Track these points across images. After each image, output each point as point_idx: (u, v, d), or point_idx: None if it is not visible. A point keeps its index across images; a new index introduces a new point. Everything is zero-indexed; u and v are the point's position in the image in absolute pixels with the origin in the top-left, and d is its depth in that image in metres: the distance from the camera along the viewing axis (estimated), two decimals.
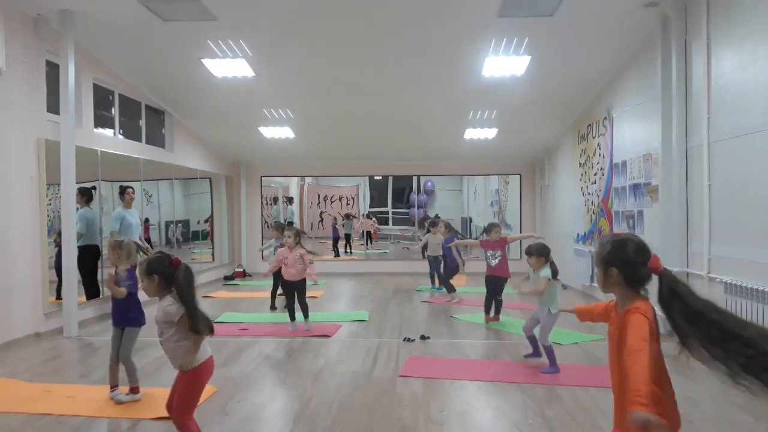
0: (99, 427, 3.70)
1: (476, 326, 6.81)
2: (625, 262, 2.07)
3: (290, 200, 16.46)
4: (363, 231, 15.75)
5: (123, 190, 7.47)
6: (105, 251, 7.58)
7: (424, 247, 9.69)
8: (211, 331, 2.91)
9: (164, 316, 2.89)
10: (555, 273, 5.03)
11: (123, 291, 4.12)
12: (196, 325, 2.83)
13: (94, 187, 7.38)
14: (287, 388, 4.50)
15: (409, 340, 5.97)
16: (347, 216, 15.61)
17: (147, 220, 9.32)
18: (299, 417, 3.85)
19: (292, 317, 6.58)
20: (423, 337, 6.04)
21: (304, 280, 6.52)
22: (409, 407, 4.00)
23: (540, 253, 5.10)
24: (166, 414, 3.78)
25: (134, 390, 4.15)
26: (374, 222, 16.45)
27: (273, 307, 8.02)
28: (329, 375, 4.80)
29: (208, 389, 4.33)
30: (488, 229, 7.17)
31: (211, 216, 11.67)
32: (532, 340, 5.20)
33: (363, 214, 16.33)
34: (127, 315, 4.21)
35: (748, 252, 4.85)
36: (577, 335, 6.18)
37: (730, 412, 3.89)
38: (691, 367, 5.28)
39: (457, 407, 4.01)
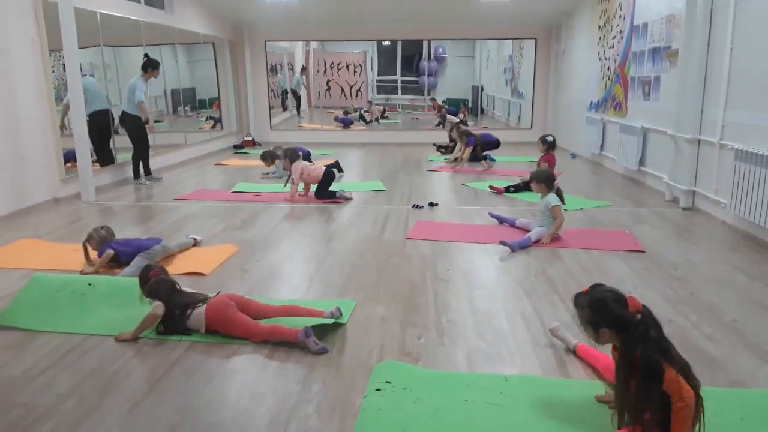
0: (126, 283, 3.93)
1: (484, 193, 6.91)
2: (611, 319, 2.05)
3: (302, 70, 15.94)
4: (373, 117, 15.34)
5: (154, 65, 7.44)
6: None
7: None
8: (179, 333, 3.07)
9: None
10: (561, 197, 4.92)
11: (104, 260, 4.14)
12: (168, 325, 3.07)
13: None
14: (302, 250, 4.70)
15: (417, 206, 6.10)
16: (345, 113, 15.01)
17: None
18: (314, 275, 4.06)
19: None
20: (431, 204, 6.17)
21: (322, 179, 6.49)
22: (417, 267, 4.19)
23: (541, 179, 4.96)
24: (196, 269, 4.05)
25: None
26: (378, 108, 15.91)
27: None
28: (341, 238, 4.99)
29: (229, 249, 4.55)
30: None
31: (217, 83, 11.44)
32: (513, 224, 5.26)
33: (369, 101, 15.83)
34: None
35: (763, 118, 4.77)
36: (582, 201, 6.28)
37: (727, 272, 4.06)
38: (692, 232, 5.42)
39: (463, 267, 4.20)
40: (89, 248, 4.26)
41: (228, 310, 3.03)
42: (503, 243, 4.61)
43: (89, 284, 3.54)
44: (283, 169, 7.21)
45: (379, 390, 2.49)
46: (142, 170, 7.75)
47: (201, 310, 3.05)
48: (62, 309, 3.32)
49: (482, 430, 2.24)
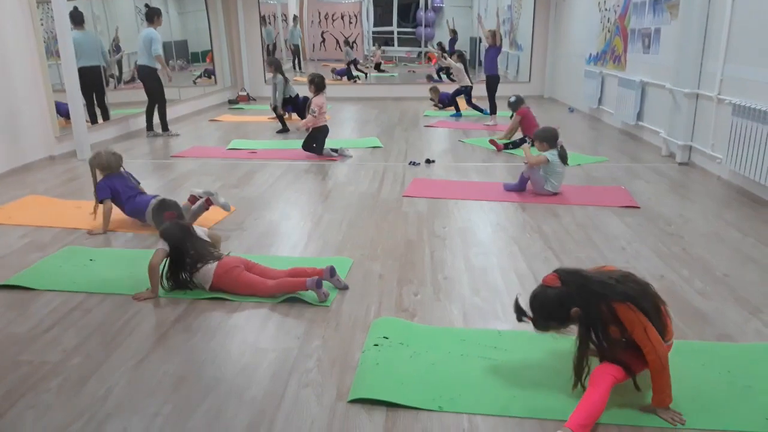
0: (127, 240, 3.97)
1: (481, 150, 6.90)
2: (556, 310, 2.14)
3: (294, 20, 15.59)
4: (374, 63, 15.13)
5: (158, 12, 7.41)
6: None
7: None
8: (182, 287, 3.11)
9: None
10: (564, 158, 4.85)
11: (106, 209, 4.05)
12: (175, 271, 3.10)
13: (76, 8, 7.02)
14: (299, 208, 4.73)
15: (414, 163, 6.10)
16: (346, 43, 14.86)
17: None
18: (312, 233, 4.10)
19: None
20: (428, 161, 6.16)
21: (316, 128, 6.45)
22: (413, 224, 4.23)
23: (543, 137, 4.95)
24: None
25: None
26: (383, 51, 15.73)
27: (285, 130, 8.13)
28: (338, 195, 5.00)
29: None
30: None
31: (210, 37, 11.20)
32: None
33: (375, 46, 15.58)
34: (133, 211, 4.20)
35: (763, 73, 4.73)
36: (579, 156, 6.28)
37: (720, 228, 4.11)
38: (687, 188, 5.45)
39: (459, 224, 4.24)
40: (97, 172, 4.16)
41: (235, 270, 3.08)
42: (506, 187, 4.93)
43: (90, 260, 3.58)
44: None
45: (376, 345, 2.56)
46: (158, 123, 7.75)
47: (211, 267, 3.09)
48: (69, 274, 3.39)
49: (475, 382, 2.32)
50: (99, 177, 4.14)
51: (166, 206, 3.19)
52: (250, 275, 3.08)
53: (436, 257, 3.61)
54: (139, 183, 4.33)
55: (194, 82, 11.17)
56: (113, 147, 7.08)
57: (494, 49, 8.66)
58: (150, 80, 7.48)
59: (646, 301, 2.10)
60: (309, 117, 6.38)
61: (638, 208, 4.54)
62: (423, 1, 14.61)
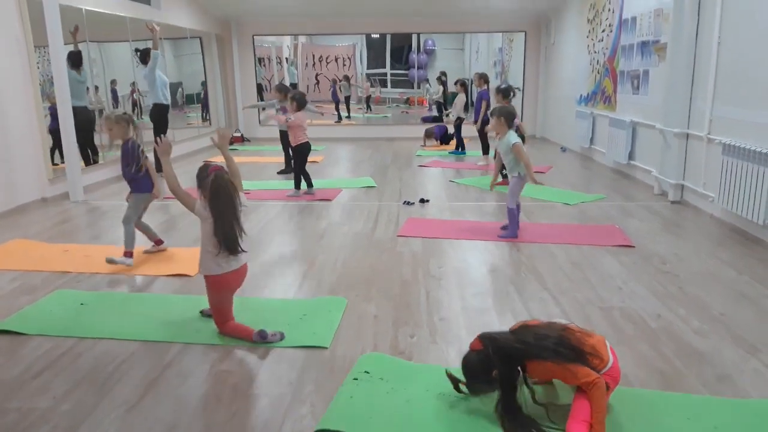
0: (117, 283, 3.92)
1: (474, 189, 6.94)
2: (480, 372, 2.28)
3: (287, 61, 15.90)
4: (364, 96, 15.42)
5: (147, 53, 7.59)
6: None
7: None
8: (229, 251, 2.90)
9: (198, 215, 2.96)
10: (522, 138, 4.82)
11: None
12: (218, 233, 2.88)
13: (80, 51, 7.11)
14: (293, 248, 4.71)
15: (408, 203, 6.12)
16: (345, 78, 15.20)
17: (133, 84, 9.10)
18: (306, 273, 4.07)
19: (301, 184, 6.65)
20: (422, 201, 6.18)
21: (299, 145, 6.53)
22: (408, 264, 4.21)
23: (501, 114, 4.69)
24: (182, 271, 4.03)
25: (126, 254, 4.21)
26: (376, 86, 16.05)
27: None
28: (332, 236, 4.99)
29: None
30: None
31: (205, 78, 11.36)
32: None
33: (364, 77, 15.91)
34: (132, 182, 4.33)
35: (750, 113, 4.82)
36: (579, 195, 6.33)
37: (714, 266, 4.11)
38: (681, 226, 5.47)
39: (454, 264, 4.22)
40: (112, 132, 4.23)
41: (229, 292, 3.07)
42: (501, 236, 4.77)
43: (81, 304, 3.54)
44: (283, 110, 7.59)
45: (356, 379, 2.55)
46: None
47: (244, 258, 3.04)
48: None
49: (446, 421, 2.29)
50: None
51: (210, 164, 3.03)
52: (230, 305, 3.07)
53: (432, 298, 3.58)
54: (138, 163, 4.28)
55: (188, 124, 11.25)
56: (107, 189, 7.11)
57: (484, 92, 8.82)
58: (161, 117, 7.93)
59: (564, 348, 2.19)
60: (283, 116, 6.67)
61: (633, 247, 4.54)
62: (415, 44, 14.93)
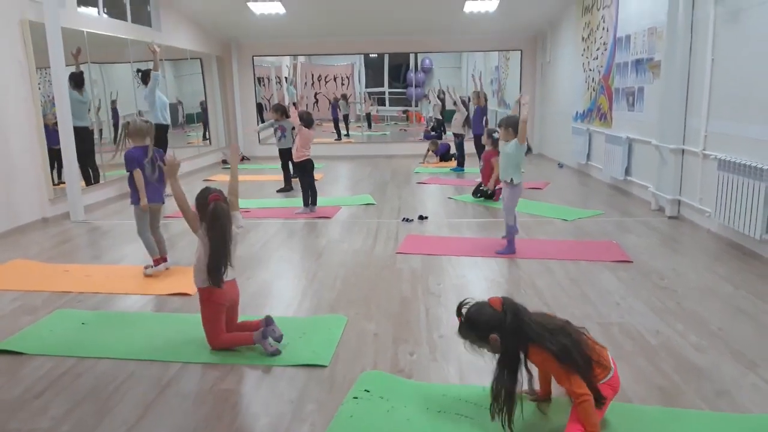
0: (118, 303, 3.93)
1: (472, 206, 6.98)
2: (486, 325, 2.24)
3: (287, 80, 16.08)
4: (364, 113, 15.56)
5: (147, 74, 7.61)
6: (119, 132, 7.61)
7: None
8: (212, 282, 2.97)
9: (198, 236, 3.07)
10: (528, 148, 4.91)
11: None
12: (210, 264, 2.97)
13: (82, 72, 7.18)
14: (292, 266, 4.72)
15: (407, 220, 6.15)
16: (343, 97, 15.34)
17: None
18: (306, 291, 4.08)
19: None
20: (421, 217, 6.21)
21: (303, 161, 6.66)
22: (408, 281, 4.22)
23: (509, 124, 4.74)
24: (182, 290, 4.05)
25: (156, 262, 4.45)
26: (373, 103, 16.24)
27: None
28: (332, 253, 5.01)
29: None
30: None
31: (205, 98, 11.46)
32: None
33: (364, 95, 16.07)
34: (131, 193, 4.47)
35: (745, 128, 4.87)
36: (577, 211, 6.37)
37: (711, 281, 4.13)
38: (678, 241, 5.49)
39: (453, 281, 4.24)
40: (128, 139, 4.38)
41: (221, 306, 3.09)
42: (499, 252, 4.80)
43: (82, 323, 3.56)
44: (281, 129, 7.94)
45: (356, 398, 2.56)
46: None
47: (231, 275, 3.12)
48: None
49: None
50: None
51: (209, 191, 3.10)
52: (222, 322, 3.11)
53: (432, 315, 3.59)
54: (161, 168, 4.41)
55: (188, 143, 11.32)
56: (108, 208, 7.14)
57: (479, 108, 8.90)
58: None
59: (576, 353, 2.19)
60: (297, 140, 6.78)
61: (631, 262, 4.56)
62: (413, 63, 15.08)
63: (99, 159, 7.63)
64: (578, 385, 2.16)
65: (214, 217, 2.95)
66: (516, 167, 4.70)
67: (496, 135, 7.13)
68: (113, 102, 8.63)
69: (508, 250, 4.83)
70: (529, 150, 4.86)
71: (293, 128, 7.47)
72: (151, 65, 7.53)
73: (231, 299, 3.15)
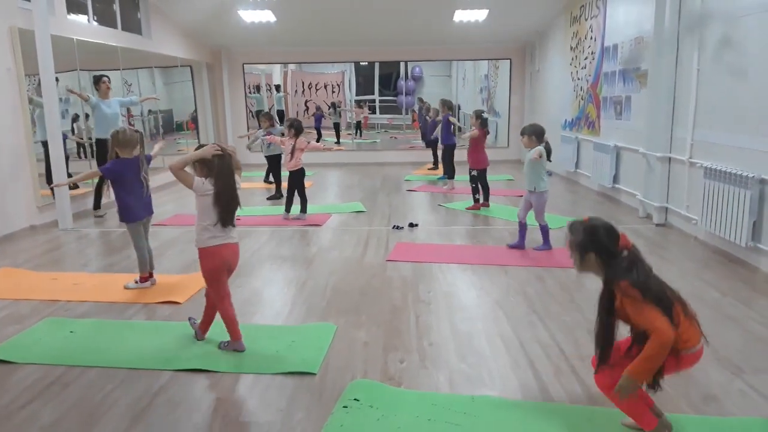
0: (106, 311, 3.91)
1: (462, 213, 7.01)
2: (598, 246, 2.26)
3: (277, 88, 16.08)
4: (354, 121, 15.59)
5: (97, 80, 7.16)
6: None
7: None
8: (224, 223, 3.12)
9: (197, 191, 3.14)
10: (549, 152, 5.11)
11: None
12: (219, 204, 3.08)
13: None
14: (283, 274, 4.72)
15: (397, 227, 6.16)
16: (333, 105, 15.36)
17: (128, 110, 9.14)
18: (296, 299, 4.08)
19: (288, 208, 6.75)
20: (411, 225, 6.23)
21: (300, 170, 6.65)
22: (398, 289, 4.23)
23: (530, 132, 5.13)
24: (171, 298, 4.03)
25: (143, 279, 4.32)
26: (365, 110, 16.28)
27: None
28: (322, 261, 5.01)
29: None
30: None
31: (195, 106, 11.44)
32: (523, 227, 5.24)
33: (355, 102, 16.10)
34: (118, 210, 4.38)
35: (730, 137, 4.94)
36: (568, 219, 6.39)
37: (699, 288, 4.18)
38: (666, 248, 5.53)
39: (443, 288, 4.25)
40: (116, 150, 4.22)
41: (224, 272, 3.20)
42: (537, 249, 5.16)
43: (71, 332, 3.53)
44: (282, 135, 7.59)
45: (346, 407, 2.56)
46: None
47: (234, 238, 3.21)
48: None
49: None
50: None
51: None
52: (225, 285, 3.22)
53: (422, 323, 3.60)
54: (147, 173, 4.38)
55: (178, 151, 11.29)
56: (92, 218, 7.09)
57: (445, 116, 8.95)
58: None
59: (666, 305, 2.22)
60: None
61: None
62: (403, 71, 15.15)
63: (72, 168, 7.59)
64: (654, 318, 2.14)
65: (222, 162, 3.11)
66: (537, 176, 5.08)
67: (485, 115, 7.37)
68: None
69: (545, 246, 5.15)
70: (549, 154, 5.13)
71: (282, 134, 7.48)
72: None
73: (232, 261, 3.23)
